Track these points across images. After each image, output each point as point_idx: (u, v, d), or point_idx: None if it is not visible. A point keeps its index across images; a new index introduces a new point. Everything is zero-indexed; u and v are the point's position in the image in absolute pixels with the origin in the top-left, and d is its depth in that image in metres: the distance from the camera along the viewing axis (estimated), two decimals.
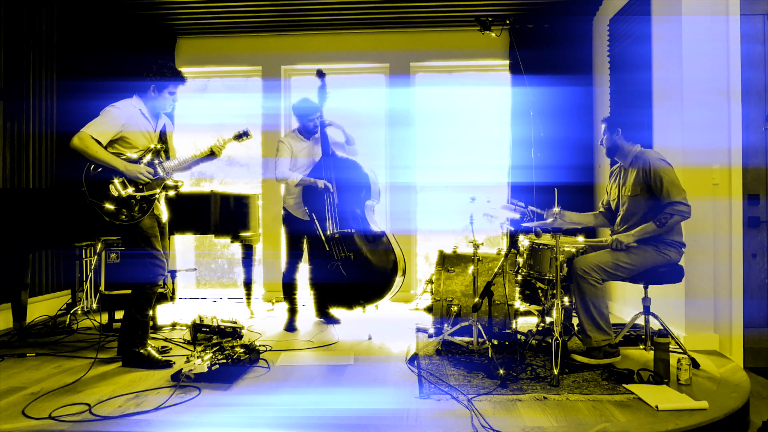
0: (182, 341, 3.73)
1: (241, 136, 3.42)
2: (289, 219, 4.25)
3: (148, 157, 3.19)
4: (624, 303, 4.60)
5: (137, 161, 3.13)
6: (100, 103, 3.21)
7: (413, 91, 5.63)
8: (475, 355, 3.27)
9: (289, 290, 4.27)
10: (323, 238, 4.10)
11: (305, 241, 4.23)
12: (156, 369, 3.09)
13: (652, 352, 2.95)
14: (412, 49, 5.56)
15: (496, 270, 3.28)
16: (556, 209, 3.16)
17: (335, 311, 4.44)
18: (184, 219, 4.04)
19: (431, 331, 3.83)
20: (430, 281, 4.74)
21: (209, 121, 5.79)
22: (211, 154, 3.34)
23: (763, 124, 3.65)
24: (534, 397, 2.59)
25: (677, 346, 3.13)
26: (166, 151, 3.30)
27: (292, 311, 4.29)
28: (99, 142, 3.01)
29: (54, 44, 4.94)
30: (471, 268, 3.44)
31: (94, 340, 3.76)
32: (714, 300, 3.58)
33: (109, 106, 3.12)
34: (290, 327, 4.21)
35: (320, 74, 4.13)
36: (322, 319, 4.39)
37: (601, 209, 3.59)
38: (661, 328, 3.20)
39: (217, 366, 2.84)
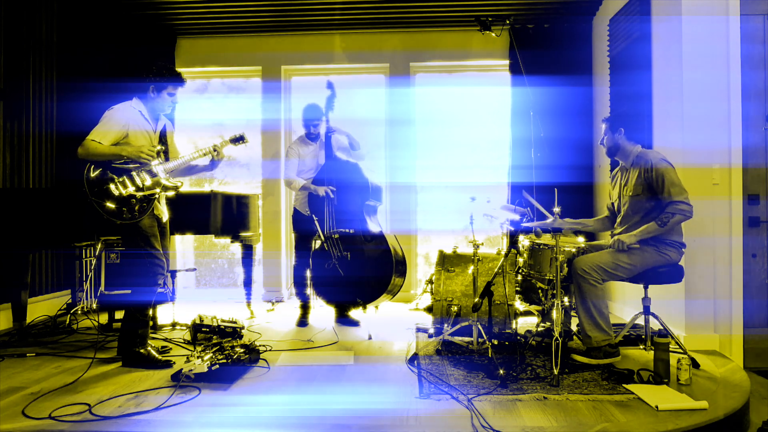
0: (182, 341, 3.73)
1: (237, 140, 3.44)
2: (297, 218, 4.39)
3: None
4: (624, 303, 4.60)
5: (138, 162, 3.13)
6: (101, 104, 3.23)
7: (413, 91, 5.62)
8: (475, 355, 3.27)
9: (300, 288, 4.38)
10: (322, 237, 4.19)
11: (313, 239, 4.37)
12: (156, 369, 3.09)
13: (652, 352, 2.95)
14: (412, 49, 5.56)
15: (496, 270, 3.28)
16: (557, 209, 3.16)
17: (352, 313, 4.48)
18: (184, 219, 4.05)
19: (431, 331, 3.83)
20: (430, 281, 4.74)
21: (209, 122, 5.80)
22: (212, 160, 3.36)
23: (763, 124, 3.65)
24: (534, 397, 2.59)
25: (677, 346, 3.13)
26: (166, 152, 3.32)
27: (305, 308, 4.40)
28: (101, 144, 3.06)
29: (54, 44, 4.94)
30: (471, 268, 3.44)
31: (94, 340, 3.76)
32: (714, 300, 3.58)
33: (108, 110, 3.16)
34: (302, 323, 4.34)
35: (329, 85, 4.28)
36: (338, 323, 4.38)
37: (607, 213, 3.58)
38: (661, 328, 3.20)
39: (217, 366, 2.84)
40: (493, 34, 4.41)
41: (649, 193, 3.16)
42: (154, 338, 3.71)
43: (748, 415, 2.62)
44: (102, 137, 3.06)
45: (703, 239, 3.55)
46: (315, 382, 2.88)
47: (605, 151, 3.42)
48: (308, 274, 4.31)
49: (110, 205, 3.05)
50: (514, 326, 3.54)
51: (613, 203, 3.50)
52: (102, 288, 4.22)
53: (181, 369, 2.85)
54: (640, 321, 3.35)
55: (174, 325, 4.20)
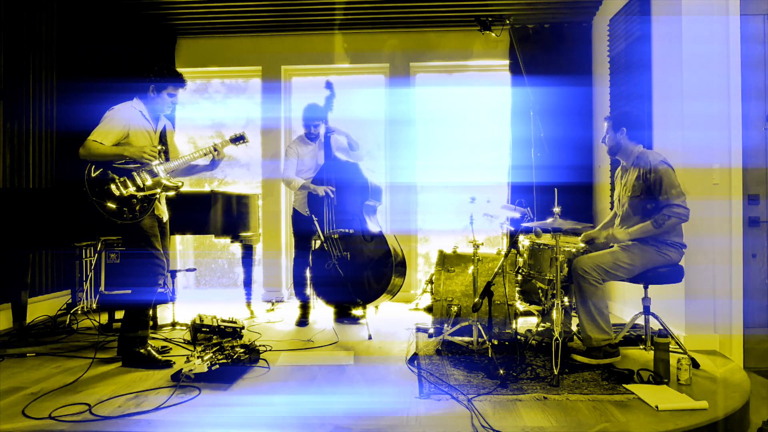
0: (182, 341, 3.73)
1: (238, 139, 3.44)
2: (297, 218, 4.39)
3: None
4: (624, 303, 4.60)
5: (138, 162, 3.13)
6: (101, 104, 3.23)
7: (413, 91, 5.62)
8: (475, 355, 3.27)
9: (300, 288, 4.38)
10: (322, 237, 4.20)
11: (312, 239, 4.38)
12: (156, 369, 3.10)
13: (652, 352, 2.95)
14: (412, 50, 5.56)
15: (496, 270, 3.28)
16: (557, 209, 3.16)
17: (352, 313, 4.48)
18: (184, 219, 4.05)
19: (431, 331, 3.84)
20: (430, 281, 4.74)
21: (209, 122, 5.80)
22: (213, 159, 3.36)
23: (763, 124, 3.65)
24: (534, 397, 2.59)
25: (677, 346, 3.13)
26: (166, 153, 3.32)
27: (304, 308, 4.41)
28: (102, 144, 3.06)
29: (54, 44, 4.94)
30: (471, 268, 3.44)
31: (94, 340, 3.76)
32: (714, 300, 3.58)
33: (108, 110, 3.16)
34: (302, 323, 4.34)
35: (329, 85, 4.27)
36: (338, 322, 4.37)
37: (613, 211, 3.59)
38: (661, 328, 3.20)
39: (217, 366, 2.84)
40: (493, 34, 4.41)
41: (647, 194, 3.16)
42: (154, 338, 3.71)
43: (748, 415, 2.62)
44: (103, 137, 3.06)
45: (703, 239, 3.55)
46: (315, 382, 2.89)
47: (606, 150, 3.41)
48: (308, 274, 4.31)
49: (111, 205, 3.05)
50: (514, 326, 3.54)
51: (613, 202, 3.51)
52: (102, 288, 4.22)
53: (181, 369, 2.85)
54: (640, 321, 3.35)
55: (174, 325, 4.20)
